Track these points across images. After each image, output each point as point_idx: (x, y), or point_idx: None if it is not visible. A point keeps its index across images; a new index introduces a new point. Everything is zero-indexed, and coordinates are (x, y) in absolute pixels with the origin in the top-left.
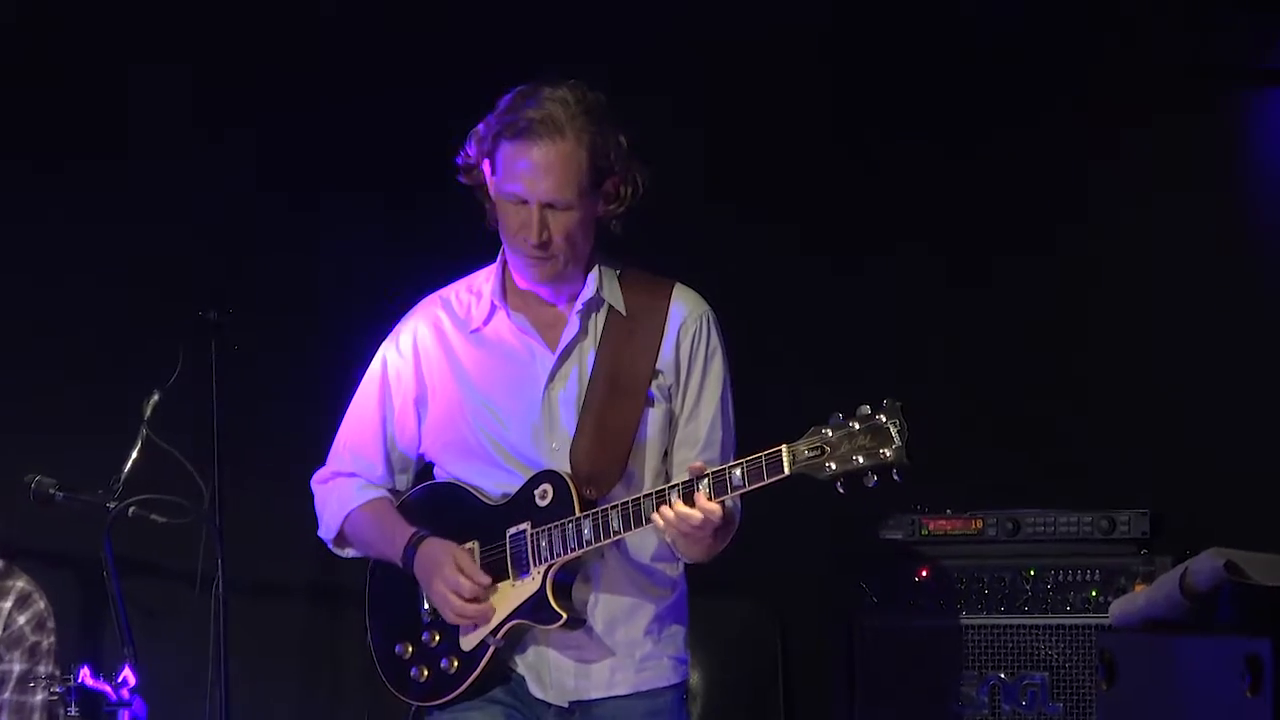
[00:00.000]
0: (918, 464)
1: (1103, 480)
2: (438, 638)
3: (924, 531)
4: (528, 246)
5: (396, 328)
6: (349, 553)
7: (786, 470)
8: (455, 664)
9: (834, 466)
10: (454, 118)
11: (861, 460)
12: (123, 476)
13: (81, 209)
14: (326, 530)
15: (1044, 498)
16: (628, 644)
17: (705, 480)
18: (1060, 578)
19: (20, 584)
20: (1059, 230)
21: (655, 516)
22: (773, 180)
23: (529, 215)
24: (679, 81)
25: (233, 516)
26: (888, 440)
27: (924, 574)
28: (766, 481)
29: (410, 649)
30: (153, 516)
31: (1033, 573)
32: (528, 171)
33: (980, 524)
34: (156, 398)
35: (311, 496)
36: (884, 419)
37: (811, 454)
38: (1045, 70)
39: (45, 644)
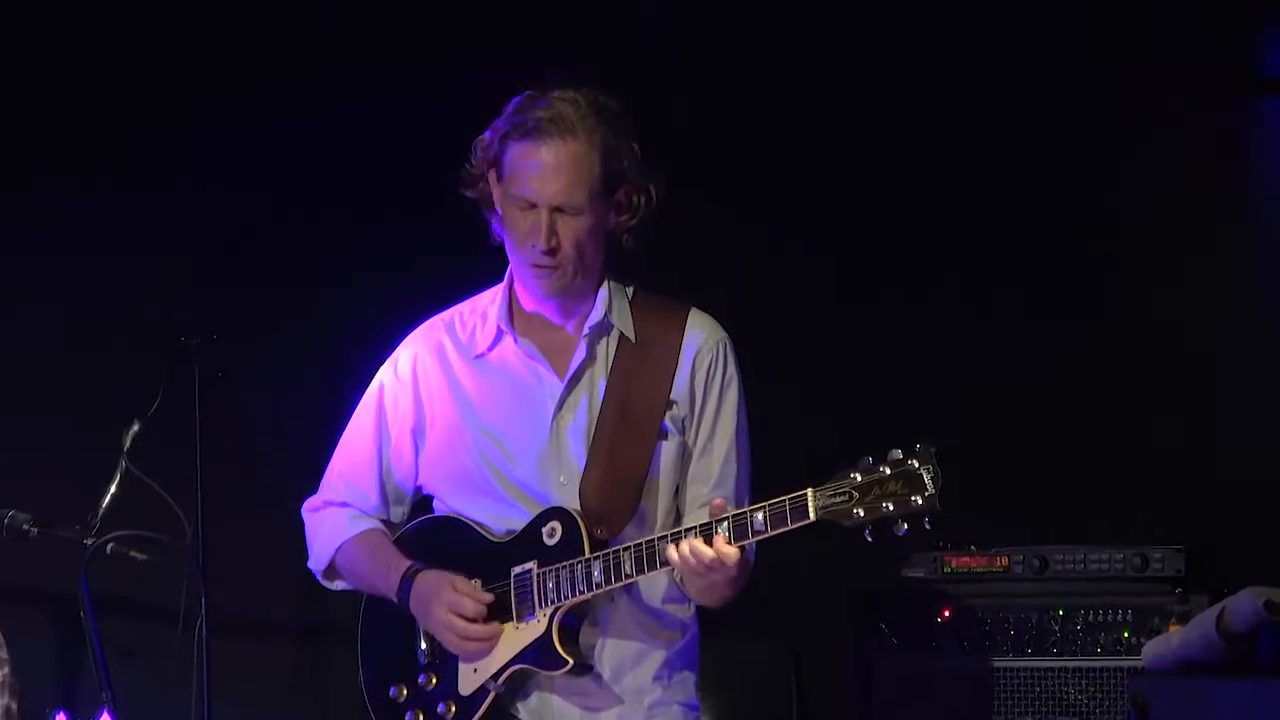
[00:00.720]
0: (940, 498)
1: (1135, 515)
2: (435, 680)
3: (947, 569)
4: (535, 254)
5: (395, 351)
6: (339, 585)
7: (812, 516)
8: (453, 709)
9: (862, 513)
10: (451, 136)
11: (891, 508)
12: (100, 511)
13: (56, 230)
14: (316, 561)
15: (1073, 533)
16: (636, 690)
17: (725, 523)
18: (1090, 618)
19: None
20: (1088, 257)
21: (669, 550)
22: (800, 205)
23: (537, 220)
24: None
25: (216, 553)
26: (920, 487)
27: (947, 614)
28: (790, 527)
29: (405, 692)
30: (132, 553)
31: (1061, 612)
32: (537, 172)
33: (1006, 561)
34: (136, 428)
35: (300, 529)
36: (916, 464)
37: (839, 499)
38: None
39: (0, 675)
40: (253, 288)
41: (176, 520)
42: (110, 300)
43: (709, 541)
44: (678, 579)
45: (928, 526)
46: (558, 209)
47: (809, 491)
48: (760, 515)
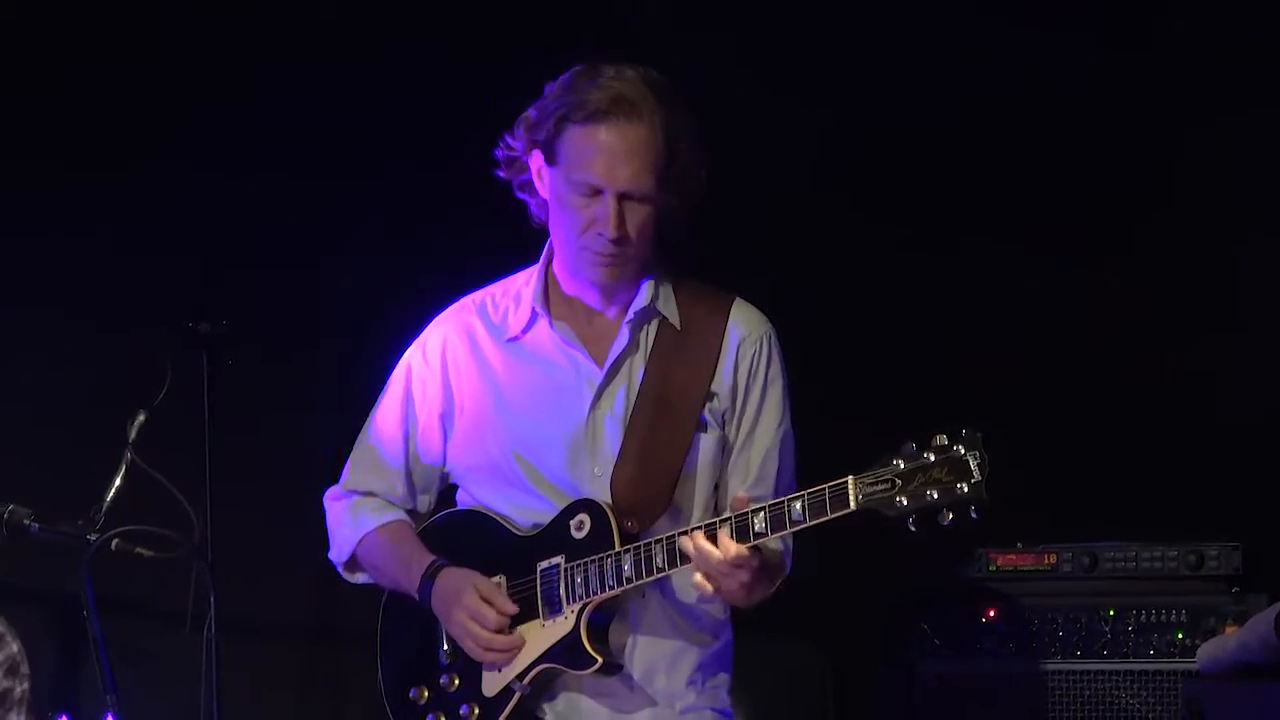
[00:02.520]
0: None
1: (1190, 510)
2: (457, 681)
3: (992, 567)
4: (601, 243)
5: (423, 333)
6: (360, 578)
7: (852, 505)
8: (476, 711)
9: (905, 502)
10: (464, 125)
11: (936, 496)
12: (105, 506)
13: (58, 216)
14: (338, 553)
15: (1124, 529)
16: (668, 694)
17: (761, 514)
18: (1142, 618)
19: None
20: (1136, 246)
21: (684, 543)
22: (846, 188)
23: (604, 207)
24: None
25: (225, 549)
26: (965, 474)
27: (992, 614)
28: (830, 517)
29: (426, 694)
30: (138, 550)
31: (1112, 613)
32: (603, 157)
33: (1054, 559)
34: (142, 418)
35: (313, 523)
36: (962, 450)
37: (881, 487)
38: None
39: (18, 691)
40: (264, 271)
41: (184, 515)
42: (114, 286)
43: (737, 536)
44: (695, 579)
45: (974, 516)
46: (625, 195)
47: (849, 479)
48: (799, 505)
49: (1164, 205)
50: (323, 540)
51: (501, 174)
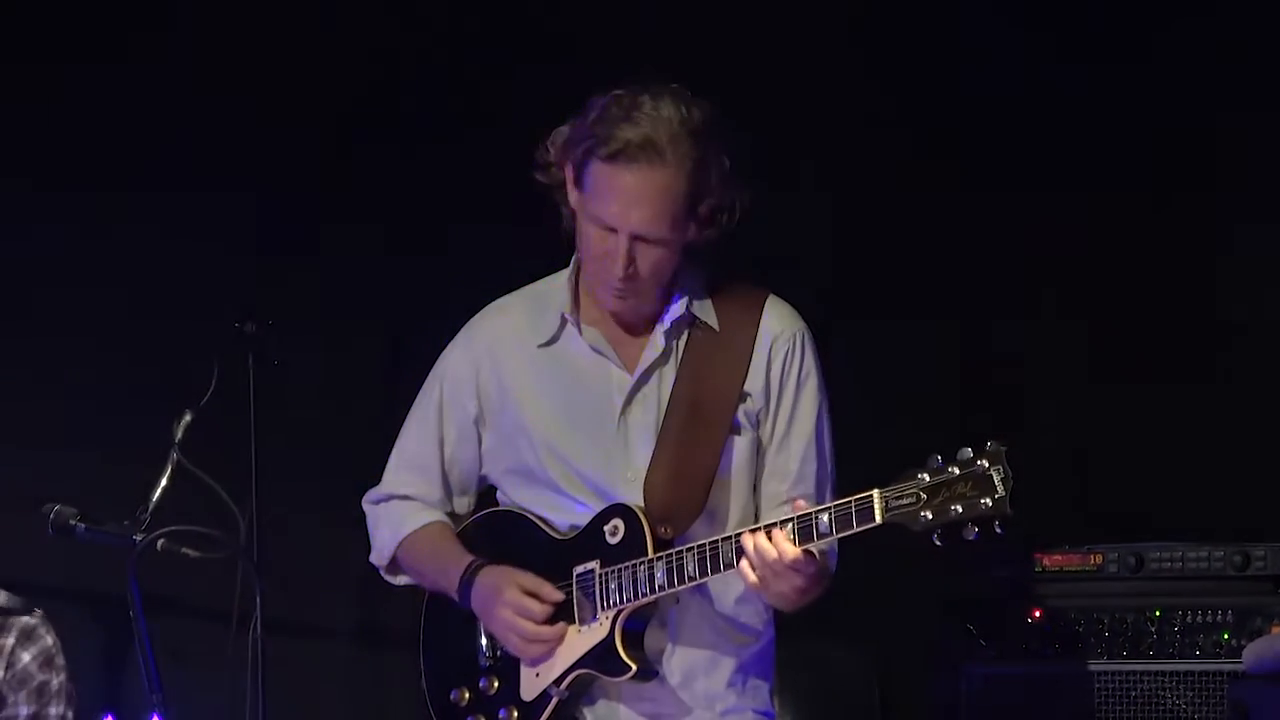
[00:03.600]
0: (1031, 493)
1: (1236, 510)
2: (496, 684)
3: (1038, 568)
4: (610, 276)
5: (456, 338)
6: (401, 580)
7: (878, 519)
8: (515, 715)
9: (930, 516)
10: (500, 123)
11: (960, 510)
12: (151, 506)
13: (106, 217)
14: (378, 556)
15: (1170, 530)
16: (707, 697)
17: (790, 525)
18: (1188, 619)
19: (24, 618)
20: (1181, 240)
21: (745, 539)
22: (874, 198)
23: (615, 245)
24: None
25: (272, 550)
26: (989, 489)
27: (1037, 615)
28: (855, 530)
29: (466, 696)
30: (184, 550)
31: (1158, 613)
32: (619, 199)
33: (1100, 559)
34: (189, 418)
35: (359, 524)
36: (986, 465)
37: (906, 501)
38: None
39: (55, 683)
40: (310, 273)
41: (230, 515)
42: (161, 286)
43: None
44: (753, 579)
45: (998, 531)
46: (638, 237)
47: (875, 493)
48: (825, 517)
49: (1207, 202)
50: (368, 540)
51: (538, 176)
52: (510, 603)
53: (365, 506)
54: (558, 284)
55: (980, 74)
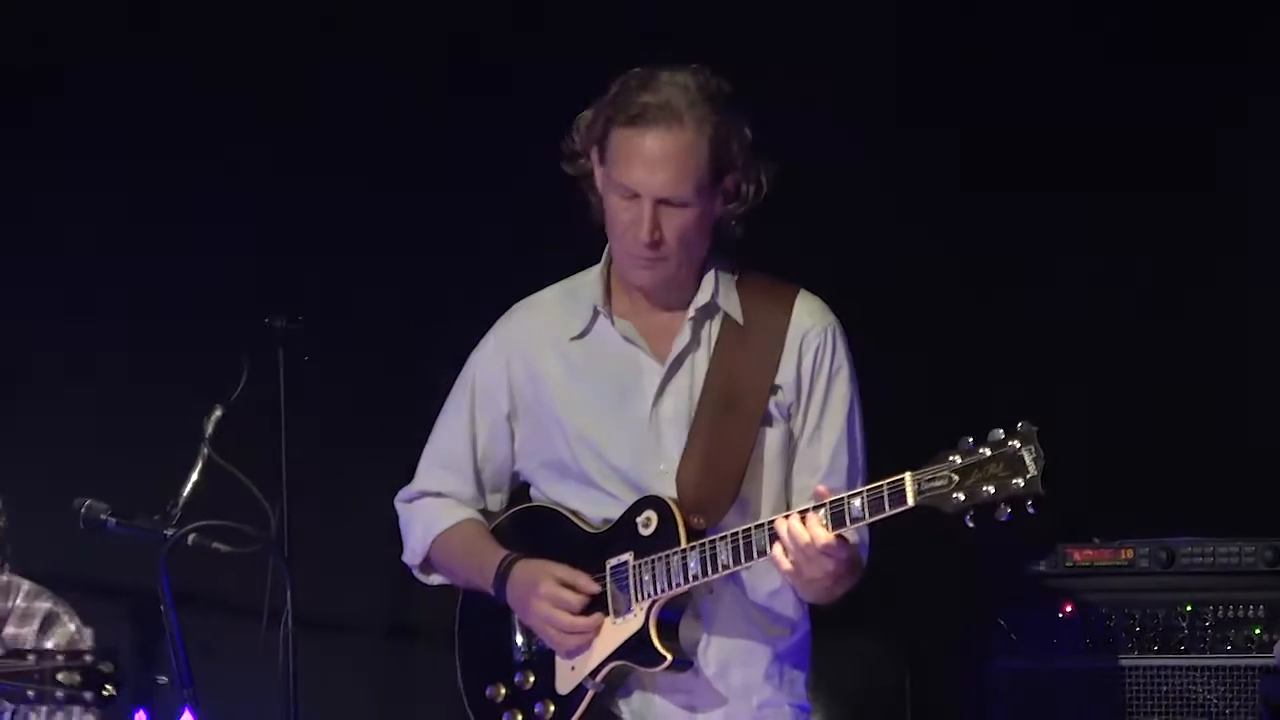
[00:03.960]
0: (1062, 487)
1: (1267, 504)
2: (532, 679)
3: (1068, 563)
4: (637, 245)
5: (488, 334)
6: (435, 580)
7: (910, 501)
8: (551, 709)
9: (962, 498)
10: (532, 122)
11: (992, 491)
12: (181, 501)
13: (136, 212)
14: (411, 555)
15: (1202, 524)
16: (744, 689)
17: (823, 510)
18: (1220, 614)
19: (46, 605)
20: (1211, 232)
21: (778, 524)
22: (907, 187)
23: (640, 211)
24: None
25: (302, 544)
26: (1021, 469)
27: (1068, 610)
28: (888, 513)
29: (502, 692)
30: (214, 545)
31: (1189, 608)
32: (641, 162)
33: (1131, 554)
34: (219, 414)
35: (391, 520)
36: (1018, 445)
37: (938, 484)
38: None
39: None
40: (340, 268)
41: (261, 510)
42: (191, 282)
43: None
44: (787, 565)
45: (1031, 511)
46: (663, 201)
47: (907, 476)
48: (858, 501)
49: (1240, 199)
50: (398, 535)
51: (565, 168)
52: (547, 595)
53: (397, 505)
54: (589, 278)
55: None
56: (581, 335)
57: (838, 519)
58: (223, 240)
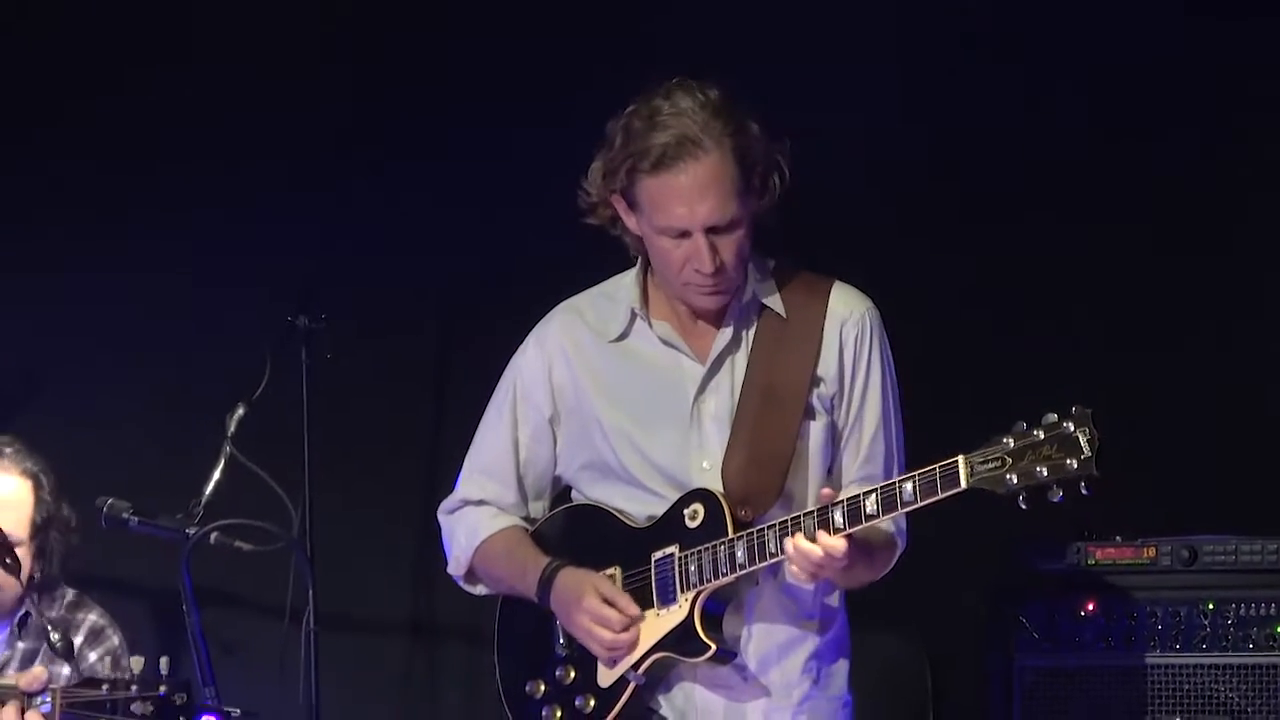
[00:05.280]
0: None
1: None
2: (572, 674)
3: (1090, 561)
4: (699, 277)
5: (527, 340)
6: (480, 590)
7: (963, 483)
8: (591, 703)
9: (1015, 479)
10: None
11: (1046, 473)
12: (204, 499)
13: (159, 207)
14: (456, 565)
15: (1224, 523)
16: (784, 684)
17: (873, 496)
18: (1242, 612)
19: (92, 617)
20: (1233, 223)
21: (787, 544)
22: (955, 177)
23: (695, 246)
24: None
25: (325, 543)
26: (1075, 450)
27: (1091, 608)
28: (940, 496)
29: (542, 687)
30: (237, 543)
31: (1211, 606)
32: (681, 201)
33: (1153, 552)
34: (242, 412)
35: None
36: (1072, 427)
37: (991, 465)
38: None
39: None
40: (363, 266)
41: (283, 508)
42: (214, 281)
43: (826, 529)
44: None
45: (1085, 492)
46: (712, 229)
47: (960, 459)
48: (910, 485)
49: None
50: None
51: (589, 221)
52: (589, 610)
53: (440, 517)
54: (626, 282)
55: None
56: (620, 338)
57: (889, 504)
58: (247, 237)
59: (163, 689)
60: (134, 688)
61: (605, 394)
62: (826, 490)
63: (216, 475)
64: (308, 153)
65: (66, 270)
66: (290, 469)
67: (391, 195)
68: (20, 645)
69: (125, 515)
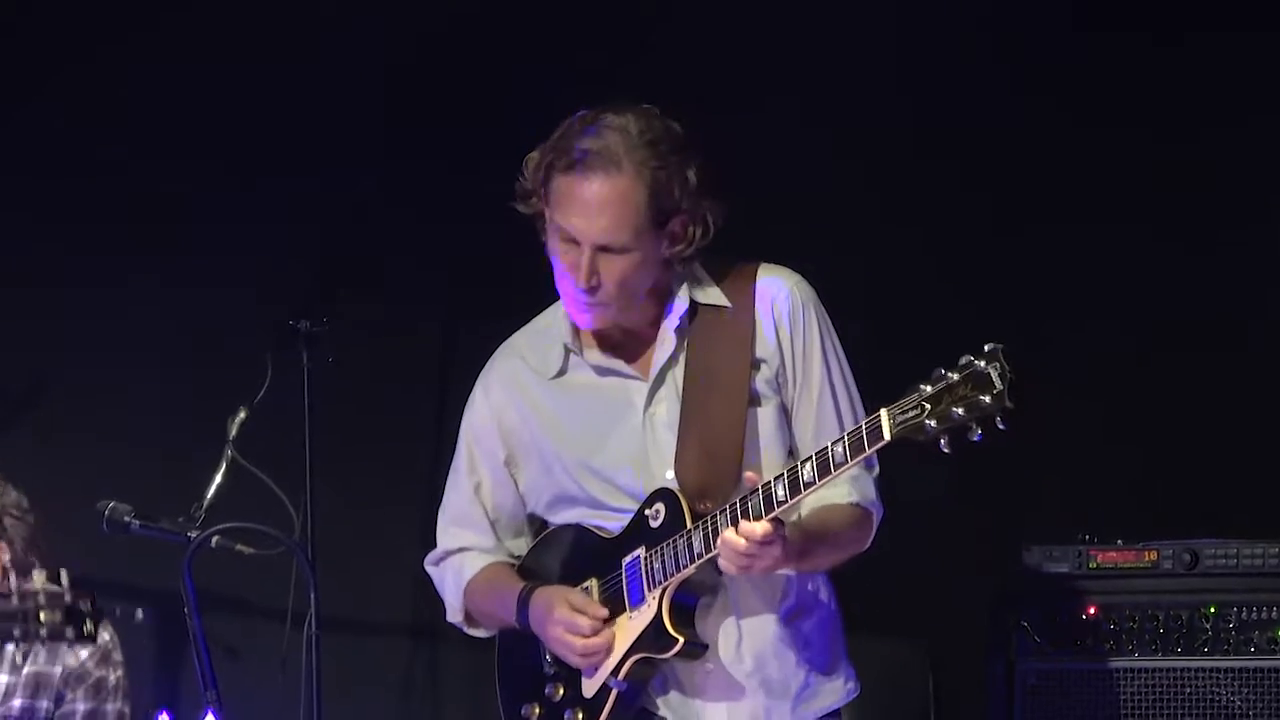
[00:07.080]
0: (1085, 489)
1: None
2: (561, 690)
3: (1092, 564)
4: (574, 290)
5: (474, 390)
6: (481, 633)
7: (887, 435)
8: (580, 715)
9: (935, 424)
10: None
11: (962, 412)
12: (205, 503)
13: (164, 212)
14: (453, 613)
15: (1225, 526)
16: (781, 679)
17: (809, 464)
18: (1244, 615)
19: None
20: (1234, 223)
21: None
22: (955, 177)
23: (578, 257)
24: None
25: (326, 547)
26: (988, 386)
27: (1092, 611)
28: (869, 451)
29: (537, 709)
30: (238, 547)
31: (1213, 610)
32: (579, 209)
33: (1154, 556)
34: (243, 416)
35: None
36: (984, 364)
37: (911, 414)
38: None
39: (112, 679)
40: (365, 270)
41: (285, 512)
42: (216, 285)
43: (771, 506)
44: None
45: (1001, 427)
46: (602, 248)
47: (881, 412)
48: (839, 447)
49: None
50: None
51: (518, 207)
52: (560, 620)
53: (427, 569)
54: (557, 314)
55: None
56: (560, 374)
57: (823, 468)
58: (249, 241)
59: (66, 596)
60: (41, 597)
61: (556, 430)
62: (750, 475)
63: (218, 479)
64: (308, 153)
65: (66, 273)
66: (292, 472)
67: (392, 196)
68: None
69: (127, 519)
